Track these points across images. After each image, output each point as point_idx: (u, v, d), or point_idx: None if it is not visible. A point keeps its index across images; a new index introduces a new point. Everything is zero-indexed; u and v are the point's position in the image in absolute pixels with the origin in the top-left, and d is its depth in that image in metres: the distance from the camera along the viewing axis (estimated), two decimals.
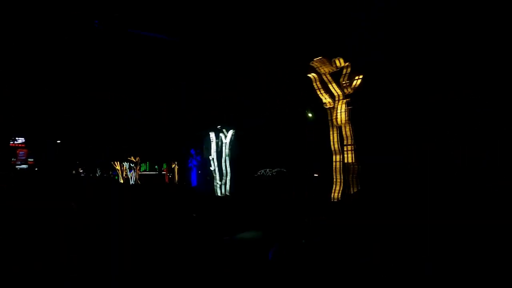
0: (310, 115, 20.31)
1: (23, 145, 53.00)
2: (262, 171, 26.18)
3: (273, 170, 25.62)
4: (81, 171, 61.11)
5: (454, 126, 12.14)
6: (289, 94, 20.22)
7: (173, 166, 41.69)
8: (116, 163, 48.12)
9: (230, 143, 19.80)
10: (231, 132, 19.91)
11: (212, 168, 20.26)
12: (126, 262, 6.73)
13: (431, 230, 5.80)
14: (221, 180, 19.64)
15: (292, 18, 15.99)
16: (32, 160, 54.05)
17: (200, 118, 24.90)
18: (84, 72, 22.16)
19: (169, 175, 43.45)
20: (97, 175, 59.03)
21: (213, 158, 20.32)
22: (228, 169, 19.65)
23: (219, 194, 19.64)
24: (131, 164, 45.99)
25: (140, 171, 47.41)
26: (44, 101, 26.97)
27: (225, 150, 19.88)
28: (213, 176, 20.23)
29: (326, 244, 6.02)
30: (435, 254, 4.98)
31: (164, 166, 45.85)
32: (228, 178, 19.47)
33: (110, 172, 56.06)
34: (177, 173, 40.94)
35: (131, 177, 45.76)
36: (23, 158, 53.23)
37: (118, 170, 48.08)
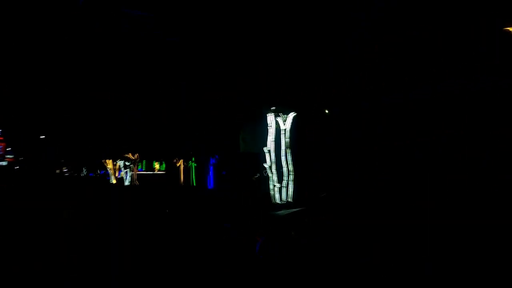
0: (326, 111, 18.77)
1: (0, 138, 46.01)
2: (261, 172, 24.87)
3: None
4: (65, 170, 56.25)
5: None
6: (289, 94, 20.21)
7: (178, 164, 36.53)
8: (107, 161, 42.58)
9: (290, 130, 15.61)
10: (292, 115, 15.76)
11: (267, 165, 15.53)
12: (126, 262, 6.74)
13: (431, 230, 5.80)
14: (280, 181, 15.26)
15: (292, 18, 16.00)
16: (11, 157, 47.57)
17: (230, 102, 21.62)
18: (76, 67, 21.95)
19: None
20: (82, 174, 53.44)
21: (269, 151, 15.58)
22: (291, 166, 15.23)
23: (277, 201, 15.14)
24: (126, 162, 40.39)
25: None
26: (28, 92, 25.90)
27: (285, 140, 15.63)
28: (268, 176, 15.60)
29: (326, 244, 6.02)
30: (435, 254, 4.99)
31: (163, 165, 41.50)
32: (291, 178, 15.09)
33: (98, 172, 50.79)
34: (182, 173, 36.02)
35: (126, 177, 40.17)
36: (1, 153, 47.09)
37: (110, 169, 42.57)
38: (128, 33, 18.05)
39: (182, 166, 35.98)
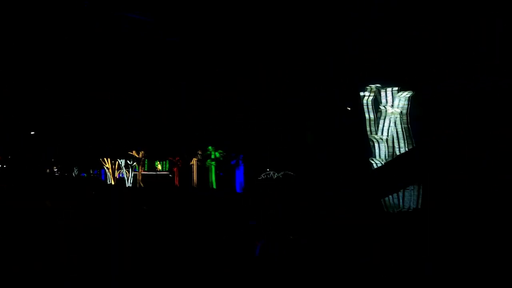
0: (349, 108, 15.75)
1: None
2: (266, 173, 24.29)
3: (279, 173, 23.42)
4: (56, 169, 54.60)
5: None
6: (290, 94, 20.19)
7: (191, 163, 31.07)
8: (106, 160, 38.32)
9: (407, 114, 11.68)
10: (406, 94, 11.66)
11: (376, 161, 11.78)
12: (126, 262, 6.73)
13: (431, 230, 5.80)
14: None
15: (292, 18, 15.99)
16: None
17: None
18: (75, 67, 21.88)
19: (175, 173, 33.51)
20: (74, 174, 50.76)
21: (382, 139, 11.57)
22: None
23: (394, 209, 10.51)
24: (129, 161, 36.24)
25: (135, 171, 37.10)
26: (23, 89, 25.36)
27: (402, 126, 11.55)
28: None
29: (326, 244, 6.02)
30: (435, 254, 4.98)
31: (167, 165, 37.65)
32: None
33: (91, 171, 48.12)
34: (196, 173, 30.80)
35: (128, 178, 36.36)
36: None
37: (108, 169, 38.36)
38: (128, 33, 18.07)
39: (195, 166, 30.81)
